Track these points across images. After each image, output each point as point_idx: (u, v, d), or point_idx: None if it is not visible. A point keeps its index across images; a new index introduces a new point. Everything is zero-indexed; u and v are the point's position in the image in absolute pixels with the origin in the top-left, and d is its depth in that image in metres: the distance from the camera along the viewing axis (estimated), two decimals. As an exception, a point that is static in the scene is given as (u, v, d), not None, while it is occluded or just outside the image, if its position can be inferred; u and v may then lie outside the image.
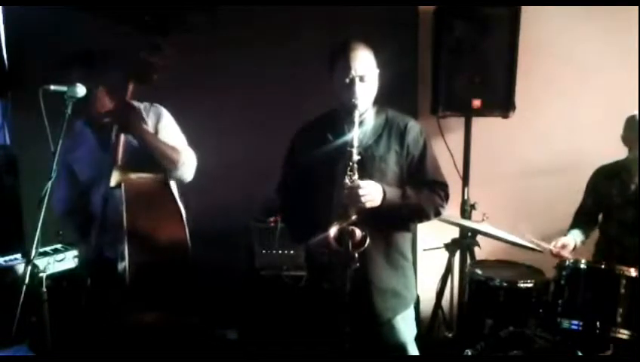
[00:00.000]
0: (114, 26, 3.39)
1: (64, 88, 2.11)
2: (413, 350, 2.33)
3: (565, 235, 2.98)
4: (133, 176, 2.32)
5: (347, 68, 2.12)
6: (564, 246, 2.88)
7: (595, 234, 3.06)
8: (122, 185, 2.28)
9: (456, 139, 3.40)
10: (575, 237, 2.97)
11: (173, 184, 2.48)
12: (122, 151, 2.31)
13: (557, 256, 2.85)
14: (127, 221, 2.24)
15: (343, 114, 2.20)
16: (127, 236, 2.23)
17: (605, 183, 2.97)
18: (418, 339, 2.39)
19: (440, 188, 2.24)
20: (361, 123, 2.16)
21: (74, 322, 2.81)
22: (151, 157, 2.35)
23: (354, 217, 2.03)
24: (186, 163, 2.41)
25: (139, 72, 2.29)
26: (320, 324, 2.30)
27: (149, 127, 2.42)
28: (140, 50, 2.26)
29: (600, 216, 3.05)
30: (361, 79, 2.13)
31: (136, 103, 2.44)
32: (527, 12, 3.19)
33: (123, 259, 2.24)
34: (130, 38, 2.68)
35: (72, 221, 2.62)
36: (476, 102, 3.22)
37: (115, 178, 2.28)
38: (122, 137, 2.32)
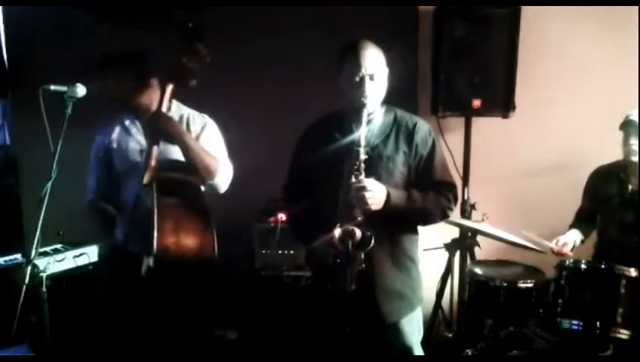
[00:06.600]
0: (114, 26, 3.41)
1: (64, 88, 2.11)
2: (418, 353, 2.29)
3: (564, 234, 2.99)
4: (167, 175, 2.32)
5: (357, 66, 2.08)
6: (564, 245, 2.90)
7: (595, 234, 3.06)
8: (154, 183, 2.27)
9: (456, 139, 3.39)
10: (574, 236, 2.99)
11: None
12: (157, 151, 2.32)
13: (558, 254, 2.87)
14: (157, 219, 2.21)
15: (351, 113, 2.15)
16: (155, 234, 2.21)
17: (603, 184, 2.96)
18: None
19: (447, 190, 2.20)
20: (369, 122, 2.12)
21: (77, 319, 2.83)
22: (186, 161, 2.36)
23: (359, 218, 2.00)
24: (223, 174, 2.42)
25: (179, 76, 2.33)
26: (321, 325, 2.28)
27: (192, 133, 2.44)
28: (177, 53, 2.30)
29: (598, 217, 3.06)
30: (371, 78, 2.09)
31: (184, 110, 2.49)
32: (527, 12, 3.19)
33: (149, 256, 2.22)
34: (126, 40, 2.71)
35: (99, 210, 2.59)
36: (476, 102, 3.22)
37: (148, 176, 2.28)
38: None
